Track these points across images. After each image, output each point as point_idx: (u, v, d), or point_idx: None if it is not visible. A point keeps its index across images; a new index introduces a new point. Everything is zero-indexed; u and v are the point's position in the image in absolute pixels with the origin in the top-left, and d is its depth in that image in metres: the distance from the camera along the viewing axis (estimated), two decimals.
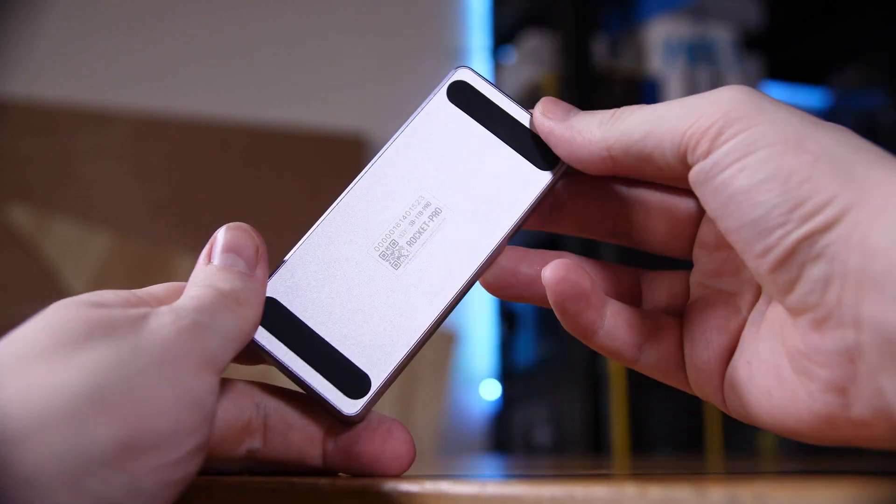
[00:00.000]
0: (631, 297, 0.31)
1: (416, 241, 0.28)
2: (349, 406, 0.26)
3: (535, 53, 1.41)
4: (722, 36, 1.38)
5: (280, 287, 0.27)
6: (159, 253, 1.32)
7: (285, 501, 0.25)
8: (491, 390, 1.48)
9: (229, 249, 0.27)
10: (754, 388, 0.25)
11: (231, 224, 0.27)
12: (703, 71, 1.35)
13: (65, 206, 1.29)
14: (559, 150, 0.28)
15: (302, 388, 0.26)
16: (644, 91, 1.33)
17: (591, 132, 0.27)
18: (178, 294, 0.26)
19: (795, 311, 0.23)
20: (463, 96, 0.30)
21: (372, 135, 1.49)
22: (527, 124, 0.30)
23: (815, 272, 0.22)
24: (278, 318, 0.27)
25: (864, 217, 0.21)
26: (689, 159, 0.25)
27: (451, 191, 0.29)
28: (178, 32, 1.43)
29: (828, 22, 1.53)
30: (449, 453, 1.37)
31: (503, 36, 1.54)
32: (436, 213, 0.29)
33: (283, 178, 1.41)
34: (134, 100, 1.37)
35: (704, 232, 0.29)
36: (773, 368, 0.25)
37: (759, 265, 0.23)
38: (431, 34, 1.57)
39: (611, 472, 0.43)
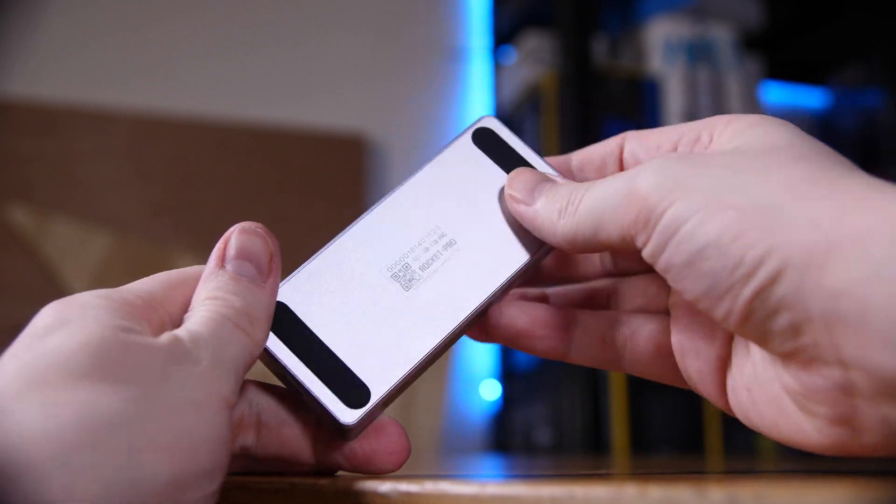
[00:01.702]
0: (608, 303, 0.32)
1: (428, 266, 0.29)
2: (347, 415, 0.26)
3: (535, 53, 1.41)
4: (722, 36, 1.38)
5: (291, 293, 0.28)
6: (159, 253, 1.32)
7: (286, 501, 0.25)
8: (491, 390, 1.48)
9: (242, 256, 0.26)
10: (759, 417, 0.25)
11: (245, 225, 0.27)
12: (703, 71, 1.35)
13: (65, 206, 1.29)
14: (530, 230, 0.30)
15: (301, 393, 0.27)
16: (644, 91, 1.33)
17: (553, 224, 0.28)
18: (178, 293, 0.26)
19: (780, 357, 0.23)
20: (486, 141, 0.32)
21: (372, 135, 1.49)
22: (543, 171, 0.31)
23: (780, 323, 0.22)
24: (286, 323, 0.27)
25: (812, 263, 0.21)
26: (637, 247, 0.25)
27: (468, 225, 0.30)
28: (178, 32, 1.43)
29: (828, 22, 1.53)
30: (449, 453, 1.37)
31: (503, 36, 1.54)
32: (450, 243, 0.30)
33: (283, 178, 1.41)
34: (134, 100, 1.37)
35: None
36: (775, 401, 0.24)
37: (727, 326, 0.23)
38: (431, 34, 1.57)
39: (611, 472, 0.43)
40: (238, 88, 1.44)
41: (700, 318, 0.27)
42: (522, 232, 0.30)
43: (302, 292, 0.28)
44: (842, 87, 1.60)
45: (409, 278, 0.29)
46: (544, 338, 0.30)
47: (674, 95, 1.32)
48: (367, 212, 0.30)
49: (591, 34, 1.30)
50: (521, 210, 0.29)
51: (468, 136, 0.32)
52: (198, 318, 0.24)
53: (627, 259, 0.32)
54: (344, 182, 1.44)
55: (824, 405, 0.22)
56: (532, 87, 1.38)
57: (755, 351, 0.25)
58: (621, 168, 0.30)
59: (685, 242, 0.23)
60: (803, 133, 0.25)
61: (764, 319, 0.22)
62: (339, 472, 0.28)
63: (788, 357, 0.23)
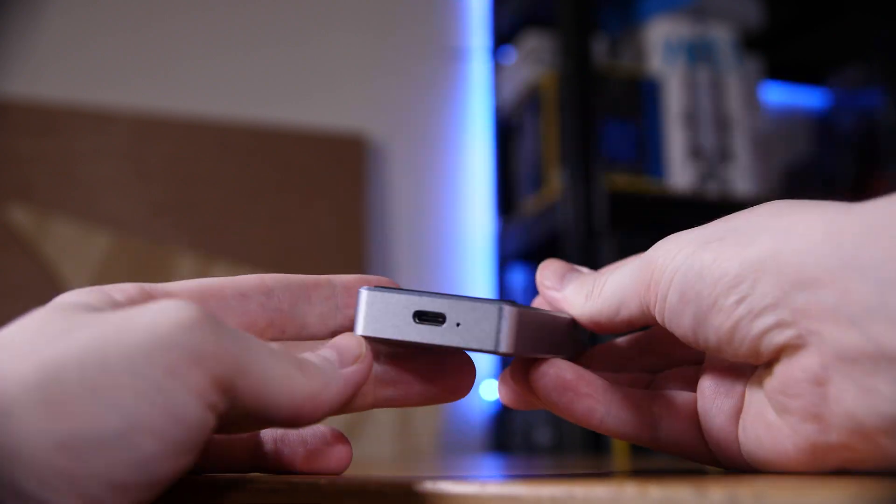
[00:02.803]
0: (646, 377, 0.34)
1: None
2: (500, 344, 0.27)
3: (535, 53, 1.41)
4: (722, 36, 1.38)
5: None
6: (159, 253, 1.32)
7: (286, 501, 0.25)
8: (491, 390, 1.48)
9: (330, 346, 0.27)
10: (748, 441, 0.27)
11: (349, 335, 0.28)
12: (703, 71, 1.35)
13: (65, 206, 1.29)
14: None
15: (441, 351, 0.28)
16: (644, 91, 1.33)
17: (581, 307, 0.31)
18: (201, 292, 0.26)
19: (766, 360, 0.25)
20: None
21: (372, 135, 1.49)
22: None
23: (765, 322, 0.24)
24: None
25: (785, 263, 0.23)
26: (654, 313, 0.28)
27: None
28: (178, 32, 1.43)
29: (828, 22, 1.53)
30: (449, 453, 1.37)
31: (503, 36, 1.54)
32: None
33: (283, 178, 1.41)
34: (134, 100, 1.37)
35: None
36: (760, 415, 0.26)
37: (721, 348, 0.26)
38: (431, 34, 1.57)
39: (611, 472, 0.43)
40: (238, 88, 1.44)
41: (722, 375, 0.29)
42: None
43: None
44: (842, 87, 1.60)
45: None
46: (587, 396, 0.30)
47: (674, 95, 1.32)
48: None
49: (591, 34, 1.30)
50: (551, 295, 0.33)
51: None
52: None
53: (656, 346, 0.34)
54: (344, 182, 1.44)
55: (798, 398, 0.24)
56: (532, 87, 1.38)
57: (752, 381, 0.28)
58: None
59: (677, 280, 0.26)
60: None
61: (750, 324, 0.24)
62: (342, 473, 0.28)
63: (775, 356, 0.25)
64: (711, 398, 0.29)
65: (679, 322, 0.27)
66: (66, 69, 1.36)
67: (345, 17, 1.52)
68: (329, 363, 0.25)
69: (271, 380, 0.22)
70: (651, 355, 0.34)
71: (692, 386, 0.32)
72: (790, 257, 0.23)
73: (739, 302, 0.24)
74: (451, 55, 1.56)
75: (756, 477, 0.23)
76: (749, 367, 0.29)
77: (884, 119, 1.49)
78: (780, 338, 0.24)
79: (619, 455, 1.17)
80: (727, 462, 0.29)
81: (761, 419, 0.26)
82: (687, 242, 0.27)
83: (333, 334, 0.29)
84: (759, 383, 0.27)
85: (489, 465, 0.73)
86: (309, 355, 0.25)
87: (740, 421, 0.28)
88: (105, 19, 1.41)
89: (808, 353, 0.23)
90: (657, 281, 0.27)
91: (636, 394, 0.31)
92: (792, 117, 1.68)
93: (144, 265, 1.30)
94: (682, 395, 0.31)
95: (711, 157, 1.32)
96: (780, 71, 1.56)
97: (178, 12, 1.44)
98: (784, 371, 0.24)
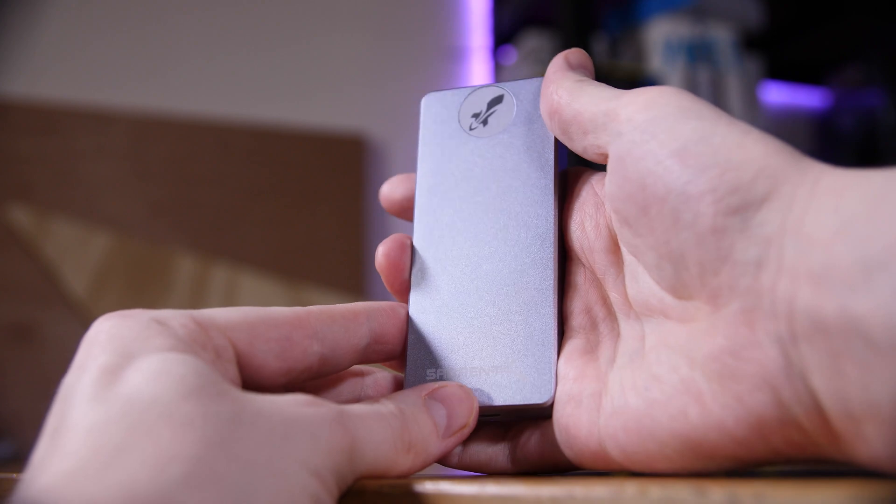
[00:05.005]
0: None
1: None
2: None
3: (535, 53, 1.41)
4: (722, 36, 1.38)
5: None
6: (159, 253, 1.32)
7: None
8: None
9: (446, 402, 0.26)
10: (662, 415, 0.23)
11: (464, 387, 0.27)
12: (703, 71, 1.35)
13: (65, 206, 1.29)
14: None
15: (496, 416, 0.28)
16: None
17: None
18: (256, 328, 0.25)
19: (721, 298, 0.22)
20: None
21: (372, 135, 1.49)
22: None
23: (747, 254, 0.21)
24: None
25: (798, 197, 0.21)
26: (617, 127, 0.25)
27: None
28: (179, 32, 1.43)
29: (828, 22, 1.53)
30: None
31: (503, 36, 1.54)
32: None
33: (283, 178, 1.41)
34: (134, 100, 1.37)
35: None
36: (682, 384, 0.23)
37: (685, 239, 0.22)
38: (431, 34, 1.57)
39: (611, 472, 0.42)
40: (238, 88, 1.44)
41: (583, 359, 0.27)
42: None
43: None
44: (842, 87, 1.60)
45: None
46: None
47: None
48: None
49: (591, 34, 1.30)
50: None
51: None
52: (365, 406, 0.24)
53: None
54: (344, 182, 1.44)
55: (755, 364, 0.21)
56: None
57: (652, 353, 0.24)
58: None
59: (684, 132, 0.23)
60: None
61: (731, 242, 0.22)
62: None
63: (728, 301, 0.22)
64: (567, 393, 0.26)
65: (655, 167, 0.23)
66: (66, 69, 1.36)
67: (345, 17, 1.52)
68: (434, 433, 0.26)
69: (369, 469, 0.24)
70: None
71: None
72: (801, 207, 0.21)
73: (739, 208, 0.21)
74: (451, 55, 1.56)
75: (756, 477, 0.23)
76: (607, 351, 0.27)
77: (884, 119, 1.49)
78: (748, 281, 0.21)
79: None
80: (574, 455, 0.26)
81: (685, 390, 0.22)
82: (697, 98, 0.25)
83: (358, 358, 0.28)
84: (677, 350, 0.23)
85: None
86: (419, 414, 0.25)
87: (636, 396, 0.24)
88: (105, 19, 1.41)
89: (777, 317, 0.20)
90: (651, 101, 0.25)
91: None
92: (792, 117, 1.68)
93: (144, 265, 1.30)
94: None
95: None
96: (780, 71, 1.56)
97: (178, 12, 1.44)
98: (742, 331, 0.21)
